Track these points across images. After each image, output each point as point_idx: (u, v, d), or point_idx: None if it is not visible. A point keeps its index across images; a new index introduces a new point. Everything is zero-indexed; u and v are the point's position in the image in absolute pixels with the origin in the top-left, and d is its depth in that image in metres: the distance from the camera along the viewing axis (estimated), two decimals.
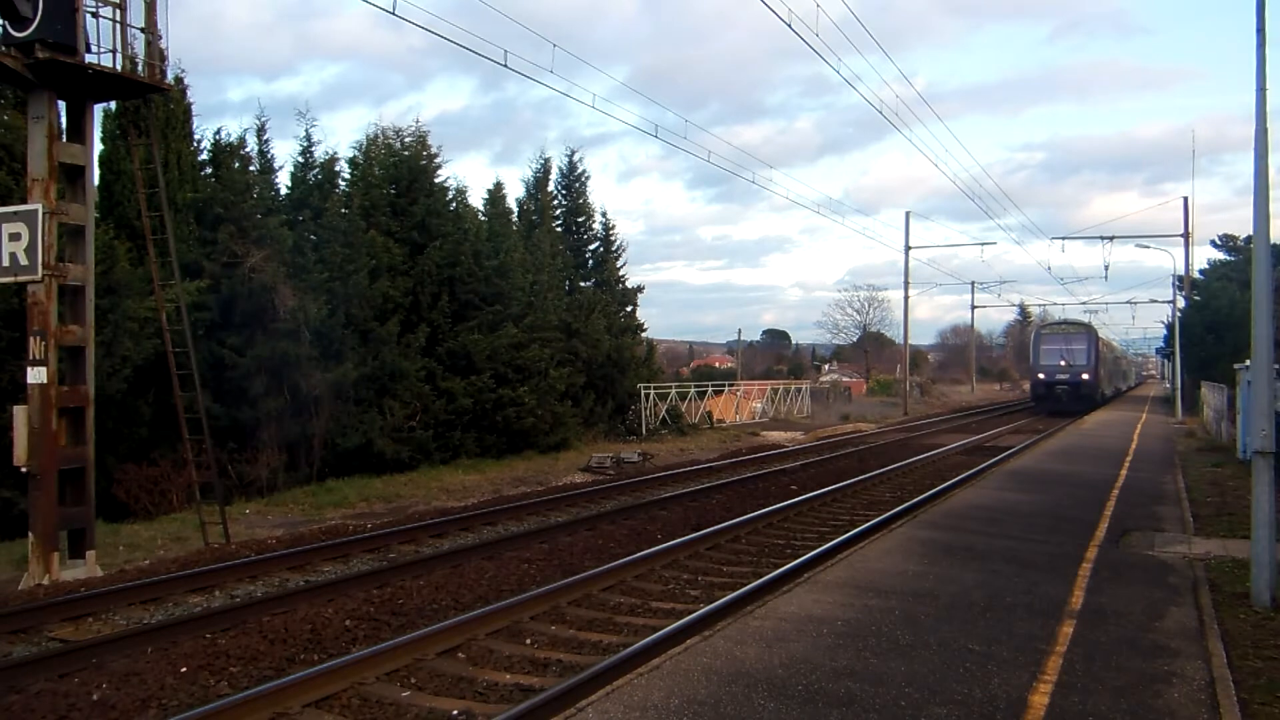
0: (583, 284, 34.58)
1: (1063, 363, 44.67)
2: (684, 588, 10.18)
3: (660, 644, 7.33)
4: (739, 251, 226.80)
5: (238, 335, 19.82)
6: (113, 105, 18.36)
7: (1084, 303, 63.02)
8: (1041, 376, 45.85)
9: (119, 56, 12.50)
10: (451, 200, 27.33)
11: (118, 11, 12.47)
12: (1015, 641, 6.89)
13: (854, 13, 17.18)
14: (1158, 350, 77.98)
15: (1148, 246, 44.87)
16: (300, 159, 23.41)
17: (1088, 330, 46.91)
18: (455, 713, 6.62)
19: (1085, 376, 44.45)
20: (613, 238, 36.47)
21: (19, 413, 11.71)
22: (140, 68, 13.29)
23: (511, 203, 33.59)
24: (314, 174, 23.37)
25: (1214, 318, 42.03)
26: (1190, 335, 42.73)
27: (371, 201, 24.33)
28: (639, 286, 36.76)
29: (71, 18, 11.50)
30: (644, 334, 38.02)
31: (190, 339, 14.28)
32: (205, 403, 14.84)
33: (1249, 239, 24.19)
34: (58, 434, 11.77)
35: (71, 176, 12.23)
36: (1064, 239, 51.89)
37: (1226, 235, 54.24)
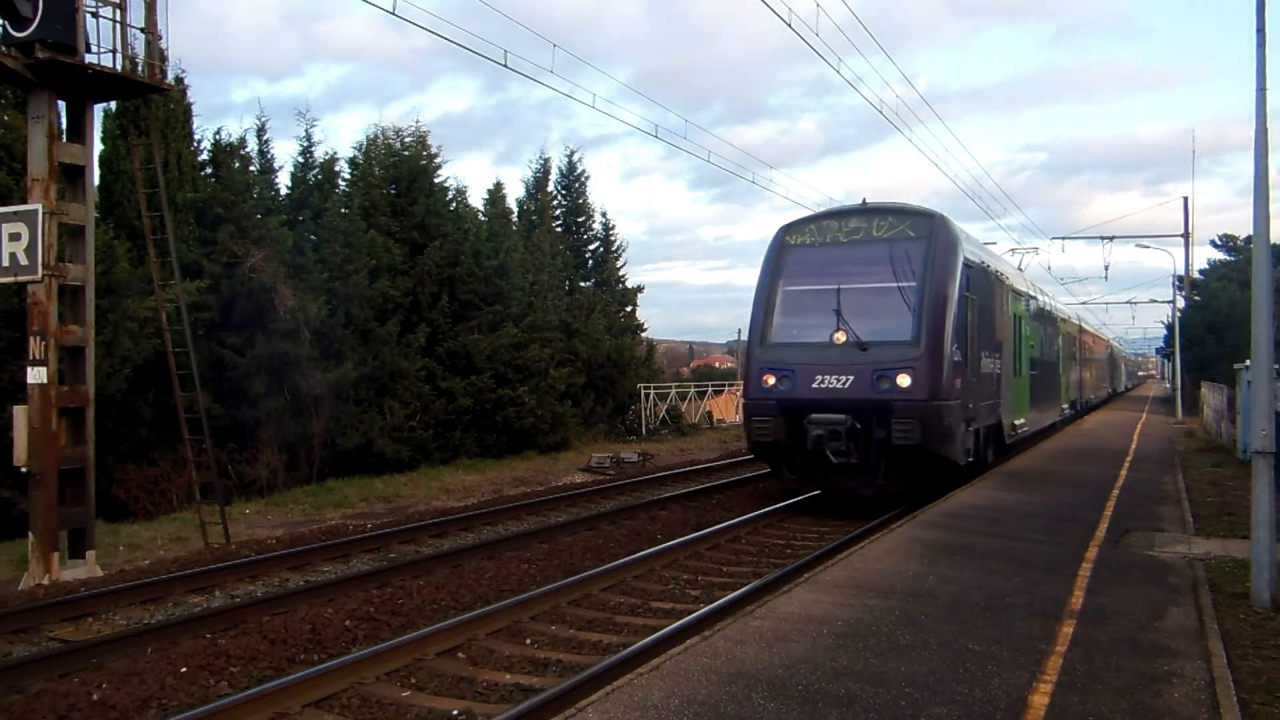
0: (583, 284, 34.62)
1: (839, 335, 14.05)
2: (684, 588, 10.18)
3: (660, 644, 7.33)
4: (740, 251, 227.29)
5: (238, 335, 19.82)
6: (113, 105, 18.36)
7: (1084, 302, 62.38)
8: (771, 382, 14.24)
9: (119, 56, 12.52)
10: (451, 200, 27.38)
11: (118, 11, 12.48)
12: (1015, 641, 6.89)
13: (855, 15, 17.17)
14: (1158, 350, 77.99)
15: (1148, 246, 44.74)
16: (300, 159, 23.45)
17: (928, 227, 14.47)
18: (455, 713, 6.62)
19: (905, 380, 13.43)
20: (613, 238, 36.56)
21: (19, 413, 11.72)
22: (140, 68, 13.31)
23: (511, 203, 33.66)
24: (314, 174, 23.41)
25: (1214, 318, 42.08)
26: (1190, 335, 42.75)
27: (371, 201, 24.36)
28: (639, 286, 36.87)
29: (71, 18, 11.51)
30: (644, 334, 38.09)
31: (190, 339, 14.29)
32: (205, 403, 14.85)
33: (1249, 239, 24.23)
34: (58, 434, 11.77)
35: (71, 176, 12.23)
36: (1064, 239, 51.02)
37: (1226, 235, 54.26)
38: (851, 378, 13.62)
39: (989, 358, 16.26)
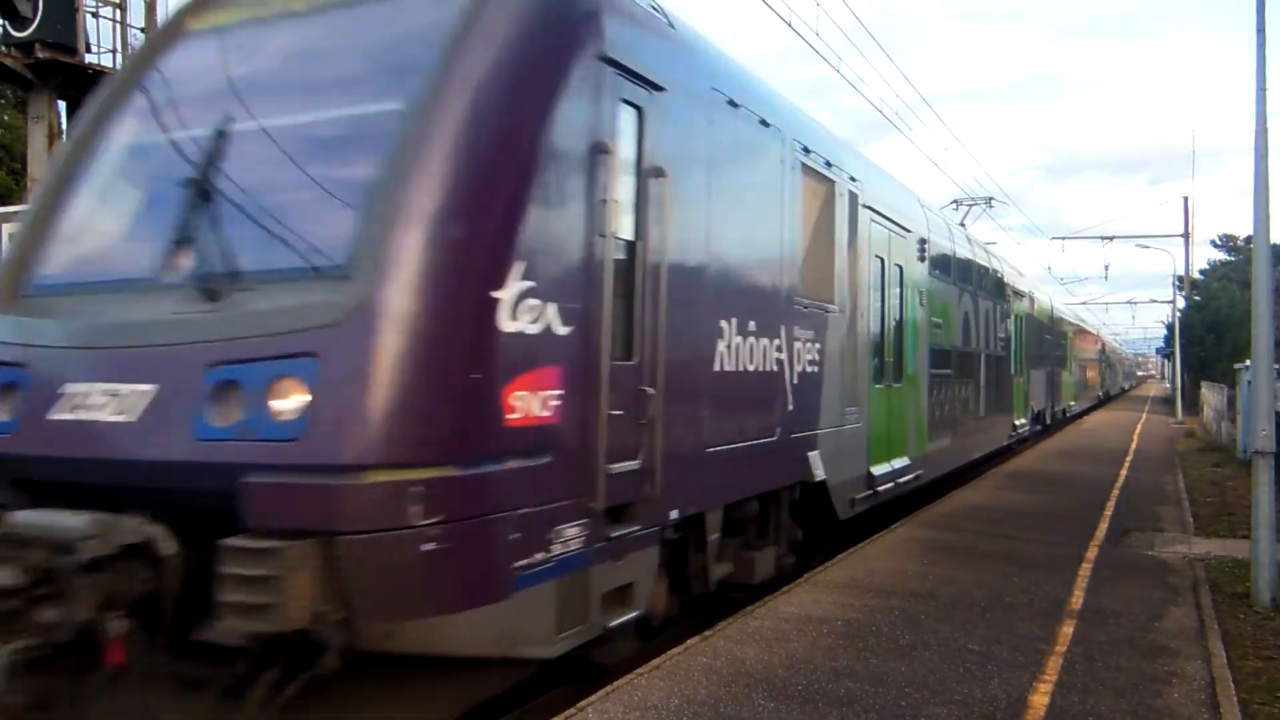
0: None
1: (183, 260, 4.84)
2: None
3: (660, 644, 7.32)
4: None
5: None
6: None
7: (1084, 302, 62.33)
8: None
9: (119, 56, 12.54)
10: None
11: (118, 11, 12.51)
12: (1015, 641, 6.88)
13: (857, 16, 17.17)
14: (1158, 350, 78.08)
15: (1148, 246, 44.77)
16: None
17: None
18: None
19: (287, 400, 4.18)
20: None
21: None
22: None
23: None
24: None
25: (1214, 318, 42.24)
26: (1190, 335, 42.86)
27: None
28: None
29: (71, 18, 11.53)
30: None
31: None
32: None
33: (1249, 239, 24.22)
34: None
35: None
36: (1064, 239, 50.87)
37: (1226, 235, 54.48)
38: (154, 388, 4.55)
39: (763, 335, 7.48)
